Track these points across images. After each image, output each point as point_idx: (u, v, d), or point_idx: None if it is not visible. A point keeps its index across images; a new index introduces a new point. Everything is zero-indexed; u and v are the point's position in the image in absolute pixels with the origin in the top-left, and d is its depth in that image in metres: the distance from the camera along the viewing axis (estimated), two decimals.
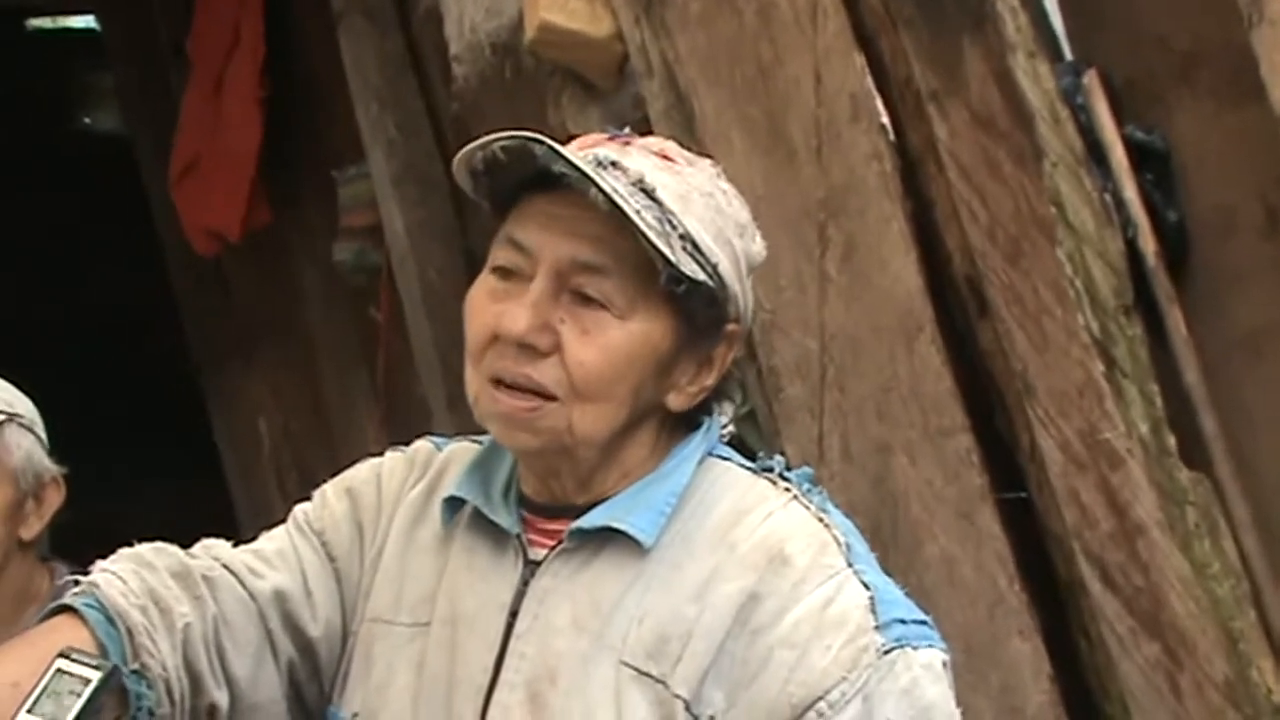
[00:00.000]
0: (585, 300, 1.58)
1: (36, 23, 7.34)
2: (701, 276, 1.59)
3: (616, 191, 1.54)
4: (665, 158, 1.64)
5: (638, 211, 1.55)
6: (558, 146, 1.56)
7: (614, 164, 1.59)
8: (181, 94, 4.93)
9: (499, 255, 1.63)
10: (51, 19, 7.36)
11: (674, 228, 1.57)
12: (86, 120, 7.10)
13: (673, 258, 1.55)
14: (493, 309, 1.60)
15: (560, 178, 1.57)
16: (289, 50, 4.56)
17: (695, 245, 1.58)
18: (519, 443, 1.61)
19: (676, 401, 1.66)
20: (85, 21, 6.91)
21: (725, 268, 1.62)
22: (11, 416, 2.32)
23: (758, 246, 1.69)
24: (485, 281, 1.64)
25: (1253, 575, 2.37)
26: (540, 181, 1.60)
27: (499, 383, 1.59)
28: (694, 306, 1.61)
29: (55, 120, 7.01)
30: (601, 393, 1.58)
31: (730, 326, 1.66)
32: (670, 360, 1.62)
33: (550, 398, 1.58)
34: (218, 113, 4.61)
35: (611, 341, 1.58)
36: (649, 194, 1.57)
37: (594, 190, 1.54)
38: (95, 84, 6.88)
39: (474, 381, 1.63)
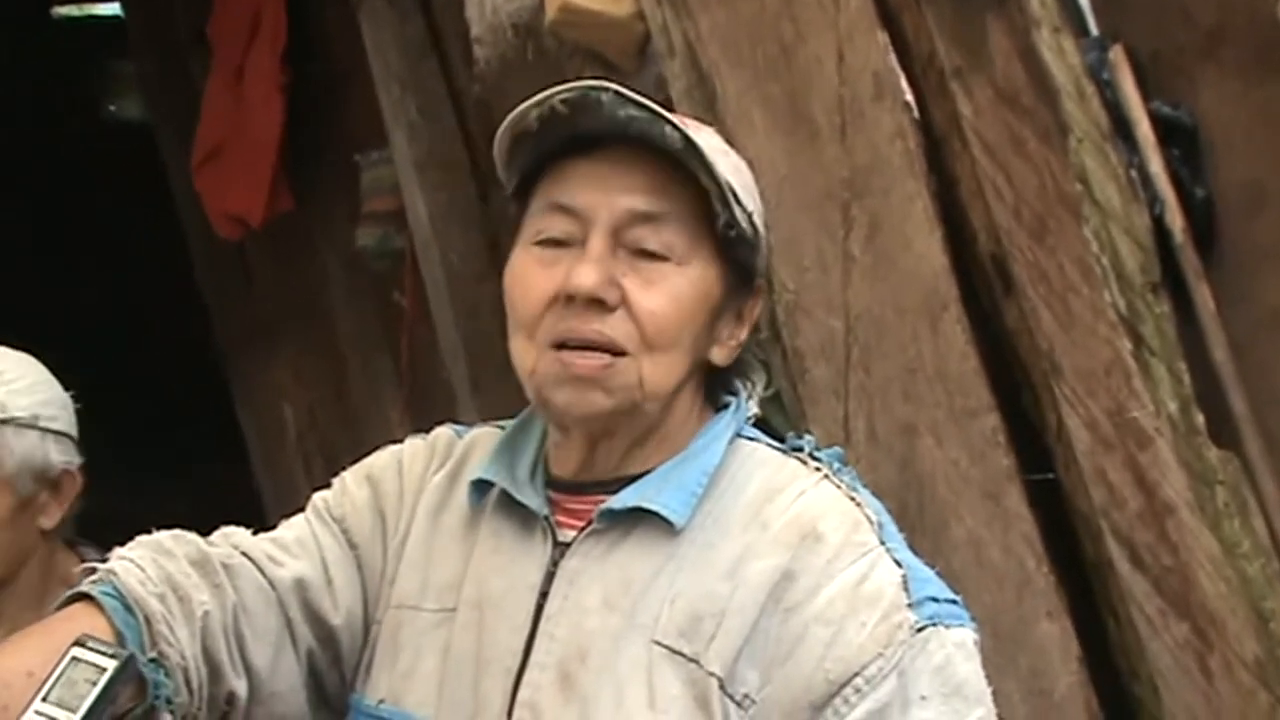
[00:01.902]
0: (645, 254, 1.59)
1: (63, 10, 7.36)
2: (745, 225, 1.62)
3: (689, 133, 1.56)
4: (683, 123, 1.66)
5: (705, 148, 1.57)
6: (624, 90, 1.56)
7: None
8: (203, 81, 4.93)
9: (545, 224, 1.62)
10: (77, 7, 7.38)
11: (722, 176, 1.60)
12: (111, 108, 7.12)
13: (728, 196, 1.58)
14: (548, 274, 1.60)
15: (593, 142, 1.59)
16: (310, 36, 4.57)
17: (735, 193, 1.61)
18: (591, 404, 1.60)
19: (719, 355, 1.67)
20: (111, 9, 6.92)
21: (758, 219, 1.66)
22: (4, 421, 2.25)
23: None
24: (529, 253, 1.63)
25: None
26: (566, 151, 1.61)
27: (562, 346, 1.59)
28: (739, 254, 1.63)
29: (80, 107, 7.03)
30: (670, 341, 1.59)
31: (759, 281, 1.70)
32: (719, 310, 1.65)
33: (621, 353, 1.58)
34: (239, 99, 4.62)
35: (676, 289, 1.59)
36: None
37: (668, 128, 1.55)
38: (120, 71, 6.89)
39: (530, 352, 1.61)
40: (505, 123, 1.62)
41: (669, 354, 1.59)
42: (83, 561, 2.37)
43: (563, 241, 1.61)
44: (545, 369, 1.60)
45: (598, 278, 1.56)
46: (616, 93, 1.56)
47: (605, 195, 1.59)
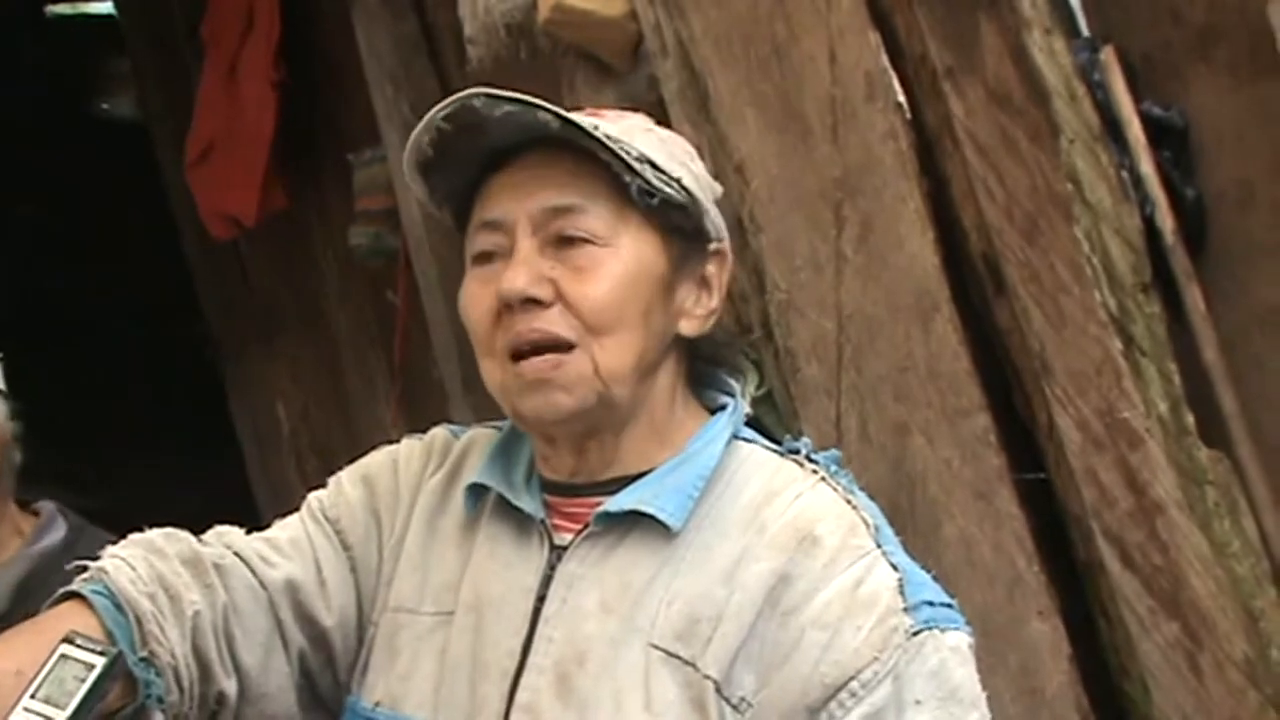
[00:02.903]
0: (569, 243, 1.60)
1: (56, 9, 7.35)
2: (669, 190, 1.62)
3: (564, 113, 1.58)
4: (594, 114, 1.69)
5: (594, 126, 1.59)
6: (493, 90, 1.59)
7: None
8: (198, 79, 4.92)
9: (476, 244, 1.66)
10: (71, 5, 7.36)
11: (628, 151, 1.60)
12: (105, 106, 7.11)
13: (633, 165, 1.59)
14: (488, 289, 1.62)
15: (505, 153, 1.62)
16: (304, 33, 4.56)
17: (653, 164, 1.62)
18: (556, 406, 1.60)
19: (689, 327, 1.68)
20: (104, 8, 6.91)
21: (689, 182, 1.66)
22: None
23: (714, 181, 1.75)
24: (471, 276, 1.66)
25: (1273, 554, 2.35)
26: (488, 168, 1.64)
27: (517, 357, 1.60)
28: (673, 221, 1.64)
29: (74, 106, 7.02)
30: (614, 320, 1.59)
31: (714, 245, 1.70)
32: (670, 279, 1.65)
33: (568, 346, 1.58)
34: (233, 97, 4.60)
35: (608, 270, 1.60)
36: (593, 129, 1.61)
37: (542, 114, 1.57)
38: (114, 70, 6.88)
39: (494, 370, 1.63)
40: (405, 155, 1.64)
41: (617, 334, 1.60)
42: (35, 516, 2.39)
43: (495, 255, 1.63)
44: (507, 382, 1.62)
45: (525, 279, 1.58)
46: (488, 95, 1.58)
47: (520, 201, 1.61)
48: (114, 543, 1.70)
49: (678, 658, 1.56)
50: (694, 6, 2.59)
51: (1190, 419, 2.35)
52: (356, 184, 4.30)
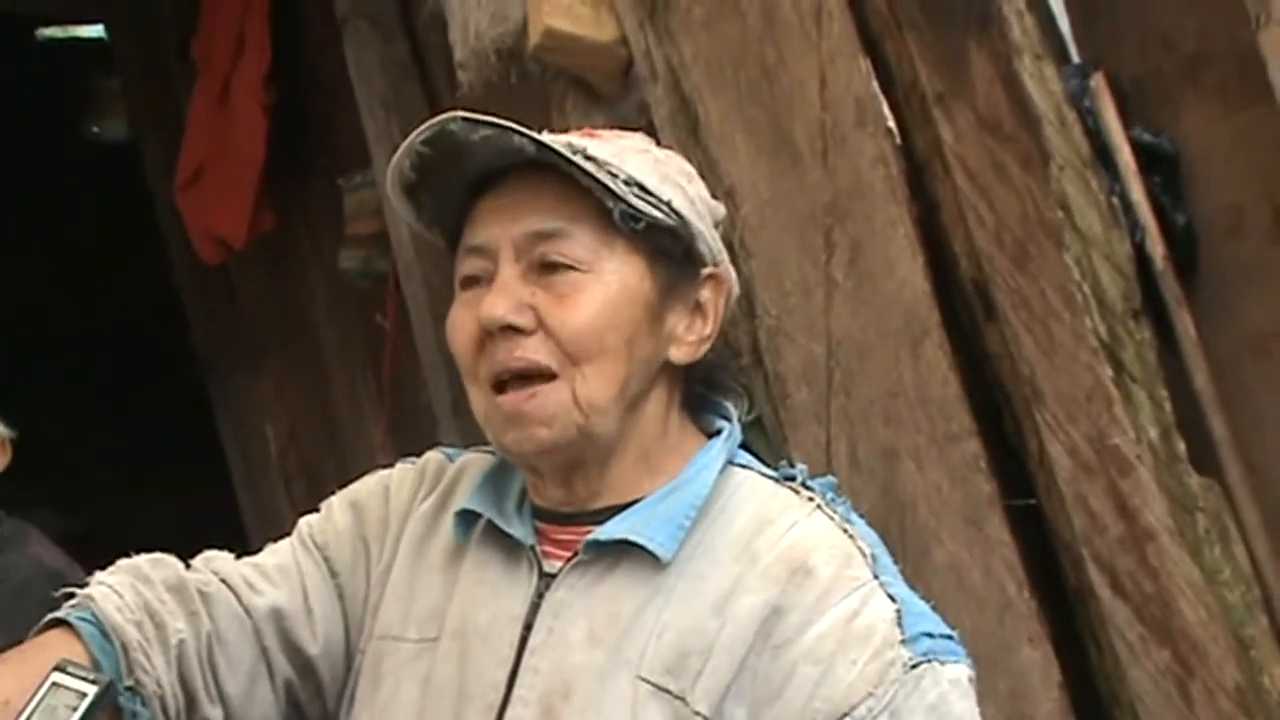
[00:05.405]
0: (552, 268, 1.57)
1: (47, 32, 7.35)
2: (656, 214, 1.59)
3: (540, 138, 1.56)
4: (590, 135, 1.67)
5: (576, 151, 1.56)
6: (471, 115, 1.57)
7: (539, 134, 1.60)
8: (188, 100, 4.92)
9: (462, 268, 1.64)
10: (62, 27, 7.36)
11: (615, 175, 1.58)
12: (95, 128, 7.11)
13: (616, 189, 1.56)
14: (471, 314, 1.60)
15: (494, 176, 1.60)
16: (296, 56, 4.56)
17: (642, 186, 1.59)
18: (536, 440, 1.57)
19: (680, 354, 1.64)
20: (95, 31, 6.92)
21: (680, 204, 1.62)
22: None
23: (715, 201, 1.71)
24: (458, 302, 1.64)
25: (1263, 581, 2.35)
26: (476, 191, 1.62)
27: (499, 387, 1.58)
28: (662, 245, 1.61)
29: (64, 128, 7.02)
30: (594, 348, 1.56)
31: (708, 270, 1.66)
32: (658, 305, 1.61)
33: (548, 376, 1.56)
34: (224, 119, 4.60)
35: (589, 295, 1.57)
36: (581, 152, 1.58)
37: (518, 138, 1.55)
38: (104, 92, 6.89)
39: (480, 399, 1.61)
40: (388, 177, 1.63)
41: (598, 363, 1.56)
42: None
43: (480, 280, 1.61)
44: (490, 414, 1.60)
45: (505, 306, 1.56)
46: (465, 119, 1.56)
47: (504, 225, 1.59)
48: (44, 535, 1.69)
49: (667, 691, 1.53)
50: (684, 32, 2.59)
51: (1181, 445, 2.35)
52: (347, 208, 4.29)
